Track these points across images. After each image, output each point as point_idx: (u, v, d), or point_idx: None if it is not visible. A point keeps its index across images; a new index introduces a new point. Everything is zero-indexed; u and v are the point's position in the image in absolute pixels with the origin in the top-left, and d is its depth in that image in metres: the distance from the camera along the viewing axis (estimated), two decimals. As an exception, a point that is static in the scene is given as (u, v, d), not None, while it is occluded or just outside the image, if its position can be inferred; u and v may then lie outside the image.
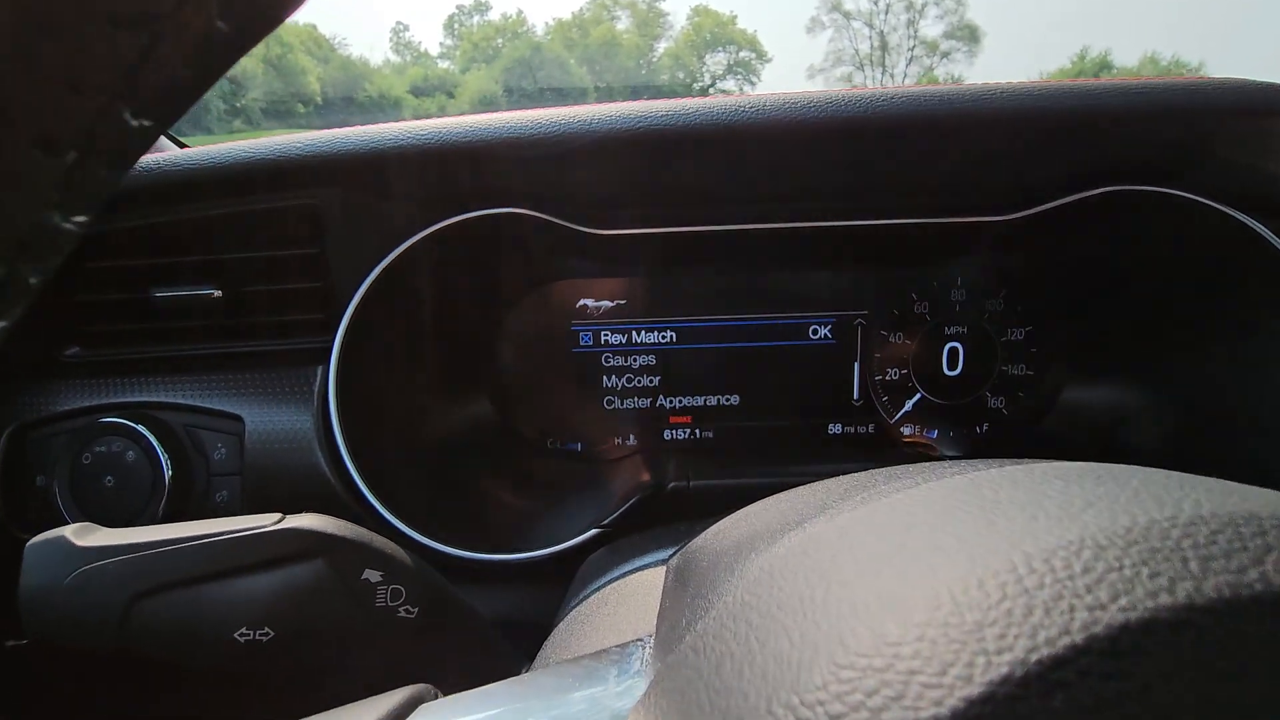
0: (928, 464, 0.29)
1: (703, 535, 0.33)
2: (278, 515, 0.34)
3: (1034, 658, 0.14)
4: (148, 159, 0.54)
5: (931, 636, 0.15)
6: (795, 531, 0.23)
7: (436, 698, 0.24)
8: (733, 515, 0.33)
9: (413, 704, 0.22)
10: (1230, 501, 0.16)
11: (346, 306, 0.57)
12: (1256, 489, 0.18)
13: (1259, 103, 0.53)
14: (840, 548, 0.20)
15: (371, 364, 0.61)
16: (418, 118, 0.57)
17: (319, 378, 0.58)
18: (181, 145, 0.90)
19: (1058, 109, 0.52)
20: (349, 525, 0.35)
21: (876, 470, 0.30)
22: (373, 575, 0.34)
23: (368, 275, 0.57)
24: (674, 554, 0.38)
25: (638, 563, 0.40)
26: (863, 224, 0.64)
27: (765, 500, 0.33)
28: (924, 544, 0.18)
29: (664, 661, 0.22)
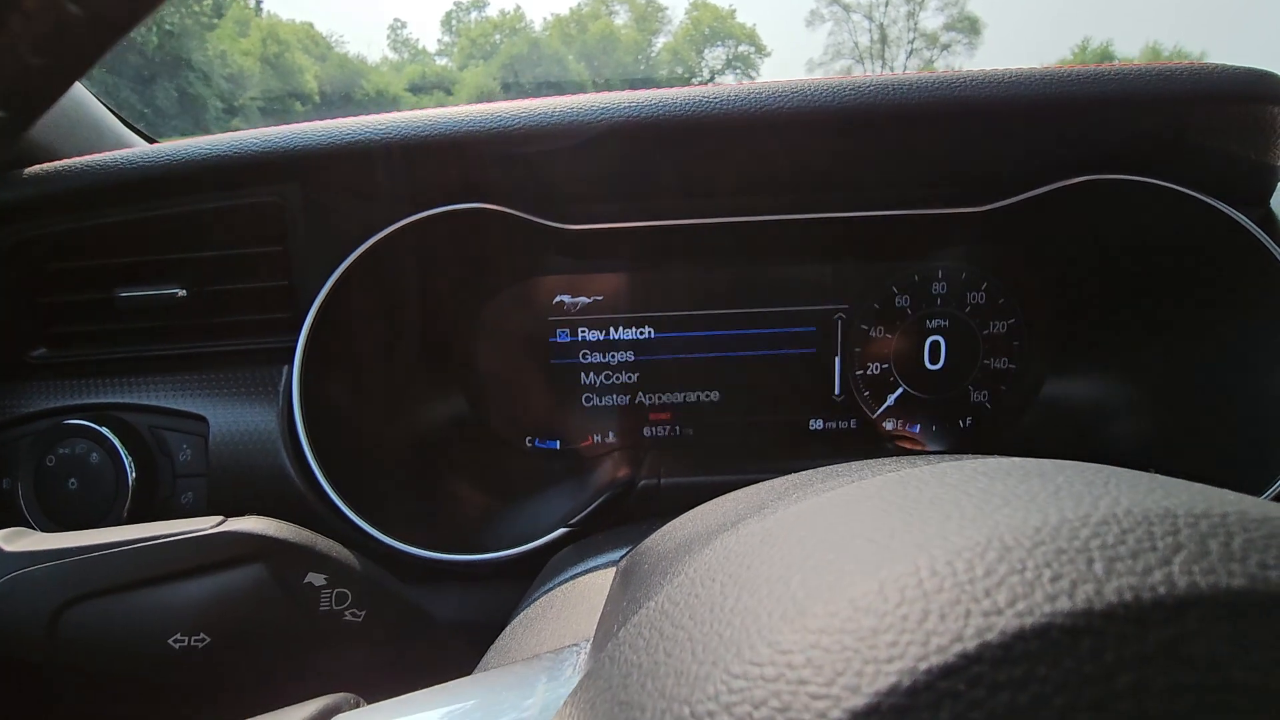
0: (872, 461, 0.28)
1: (652, 536, 0.33)
2: (218, 518, 0.33)
3: (923, 666, 0.13)
4: (104, 157, 0.53)
5: (825, 644, 0.14)
6: (727, 533, 0.23)
7: (356, 706, 0.23)
8: (684, 515, 0.32)
9: (327, 714, 0.22)
10: (1151, 498, 0.16)
11: (311, 305, 0.56)
12: (1188, 484, 0.17)
13: (1235, 89, 0.52)
14: (759, 552, 0.19)
15: (339, 363, 0.60)
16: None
17: (284, 377, 0.58)
18: (152, 140, 0.89)
19: (1031, 95, 0.51)
20: (292, 528, 0.34)
21: (824, 467, 0.29)
22: (316, 579, 0.33)
23: (332, 272, 0.57)
24: (624, 555, 0.37)
25: (592, 563, 0.39)
26: (840, 216, 0.63)
27: (716, 500, 0.32)
28: (836, 548, 0.17)
29: (587, 671, 0.21)
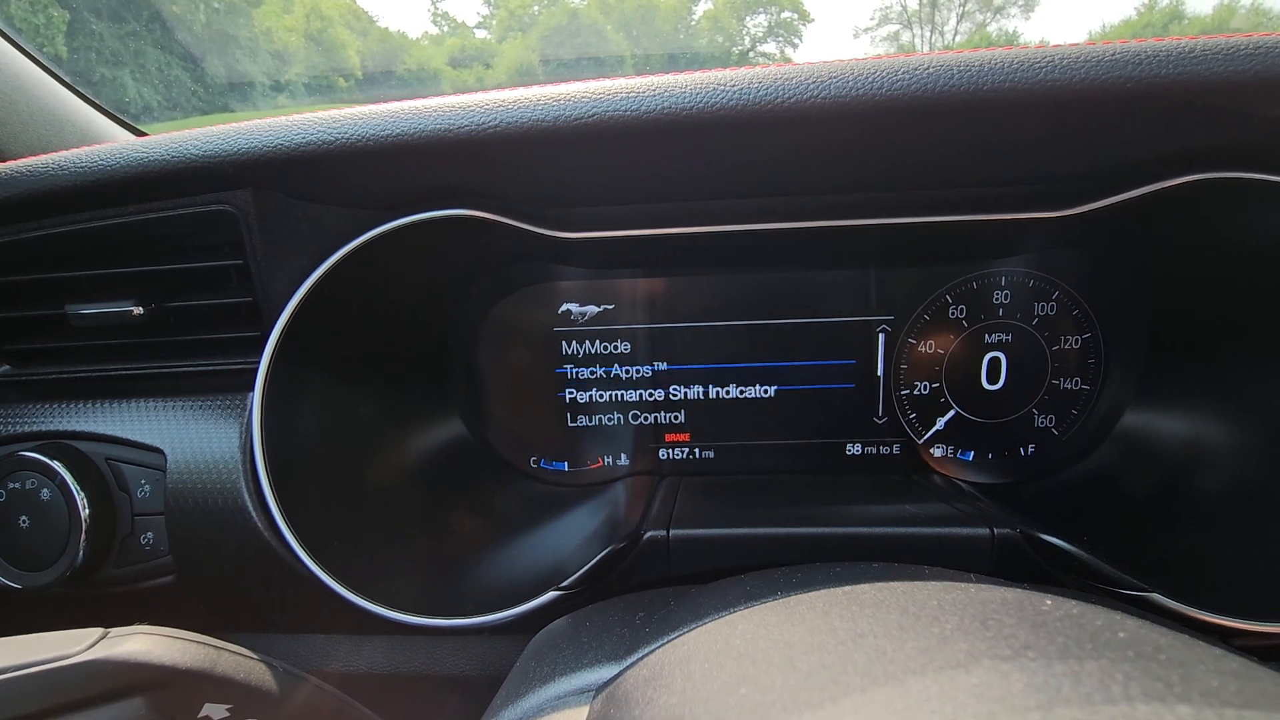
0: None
1: (632, 675, 0.25)
2: (98, 632, 0.27)
3: None
4: (34, 162, 0.47)
5: None
6: None
7: None
8: (671, 655, 0.25)
9: None
10: None
11: (275, 322, 0.50)
12: None
13: None
14: None
15: (313, 386, 0.54)
16: (456, 89, 0.48)
17: (249, 404, 0.51)
18: (140, 133, 0.83)
19: (1146, 78, 0.40)
20: (188, 646, 0.27)
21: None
22: (215, 711, 0.26)
23: (300, 286, 0.50)
24: (600, 691, 0.30)
25: (564, 685, 0.32)
26: (893, 222, 0.54)
27: (710, 652, 0.24)
28: None
29: None
